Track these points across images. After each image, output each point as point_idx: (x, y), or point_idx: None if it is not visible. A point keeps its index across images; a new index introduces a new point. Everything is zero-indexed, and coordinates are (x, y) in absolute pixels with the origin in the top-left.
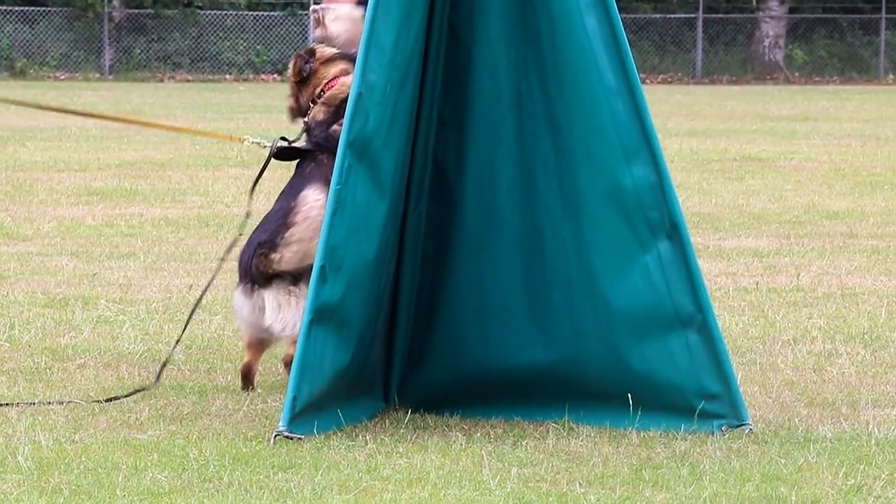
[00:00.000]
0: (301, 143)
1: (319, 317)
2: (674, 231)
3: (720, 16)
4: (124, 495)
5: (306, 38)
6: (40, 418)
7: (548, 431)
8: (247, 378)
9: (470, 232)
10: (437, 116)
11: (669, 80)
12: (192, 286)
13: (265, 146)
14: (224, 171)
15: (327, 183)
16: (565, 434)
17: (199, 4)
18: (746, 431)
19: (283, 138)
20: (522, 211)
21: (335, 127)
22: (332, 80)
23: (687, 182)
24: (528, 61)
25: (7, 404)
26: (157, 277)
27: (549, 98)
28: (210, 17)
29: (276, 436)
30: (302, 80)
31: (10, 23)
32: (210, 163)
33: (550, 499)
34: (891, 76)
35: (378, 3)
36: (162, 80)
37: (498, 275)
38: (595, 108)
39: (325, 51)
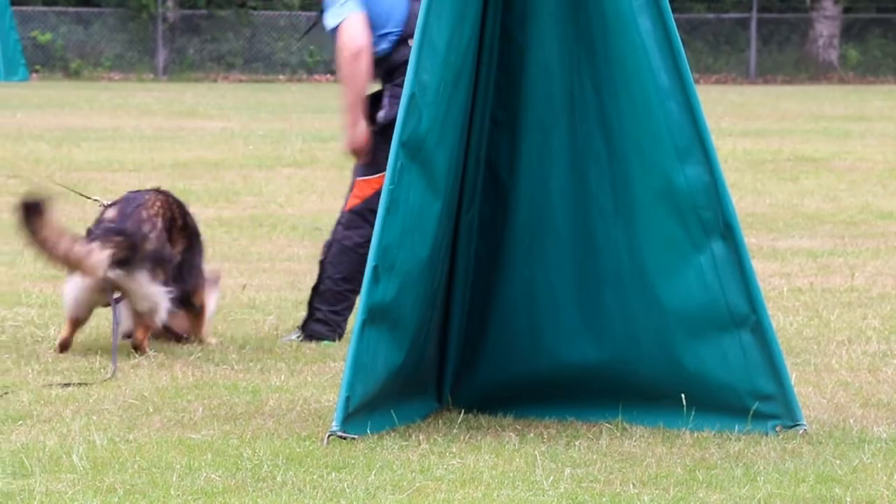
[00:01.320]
0: None
1: (372, 317)
2: (727, 231)
3: (774, 16)
4: (178, 495)
5: None
6: (95, 418)
7: (601, 432)
8: None
9: (522, 232)
10: (489, 117)
11: (723, 80)
12: (245, 286)
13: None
14: (277, 171)
15: None
16: (619, 434)
17: (253, 5)
18: (800, 432)
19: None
20: (574, 211)
21: None
22: None
23: (740, 182)
24: (580, 62)
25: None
26: None
27: (601, 98)
28: (263, 17)
29: (329, 436)
30: None
31: (65, 24)
32: (264, 163)
33: (604, 499)
34: None
35: (431, 3)
36: (215, 81)
37: (550, 275)
38: (648, 108)
39: None
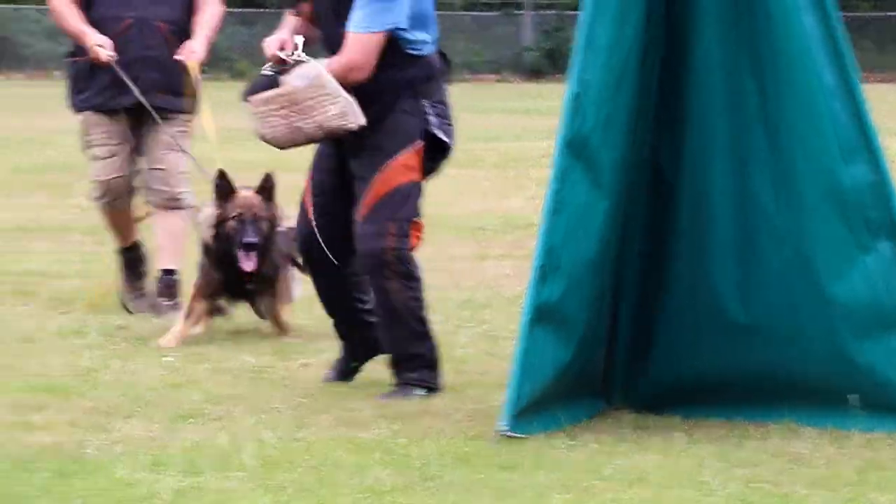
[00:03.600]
0: None
1: (540, 316)
2: (894, 231)
3: None
4: (347, 493)
5: (520, 38)
6: (264, 416)
7: (769, 432)
8: None
9: (685, 232)
10: (654, 116)
11: (890, 78)
12: None
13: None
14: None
15: None
16: (787, 435)
17: None
18: None
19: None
20: (736, 210)
21: None
22: None
23: None
24: (743, 60)
25: None
26: None
27: (765, 97)
28: None
29: (497, 435)
30: None
31: (230, 25)
32: None
33: (773, 500)
34: None
35: (595, 4)
36: None
37: (713, 274)
38: (812, 107)
39: None
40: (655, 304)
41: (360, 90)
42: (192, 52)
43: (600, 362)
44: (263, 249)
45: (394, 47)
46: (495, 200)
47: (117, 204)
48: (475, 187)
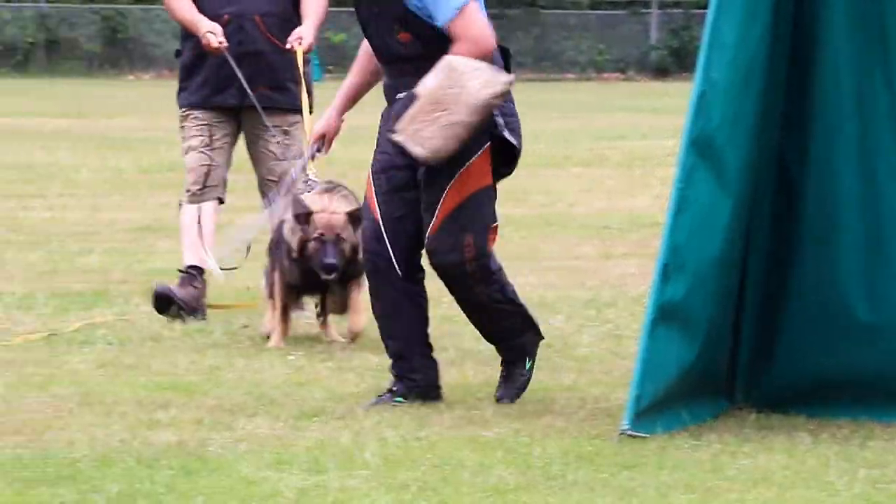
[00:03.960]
0: None
1: (663, 315)
2: None
3: None
4: (469, 492)
5: (648, 37)
6: (387, 415)
7: None
8: None
9: (812, 230)
10: (780, 114)
11: None
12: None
13: None
14: (566, 169)
15: None
16: None
17: (543, 4)
18: None
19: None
20: (863, 211)
21: None
22: None
23: None
24: (872, 58)
25: None
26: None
27: (894, 96)
28: (553, 16)
29: (619, 434)
30: None
31: (357, 24)
32: (552, 162)
33: None
34: None
35: (721, 2)
36: None
37: (839, 273)
38: None
39: None
40: (780, 303)
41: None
42: (300, 38)
43: (724, 361)
44: (346, 265)
45: None
46: (620, 199)
47: (205, 196)
48: (600, 186)
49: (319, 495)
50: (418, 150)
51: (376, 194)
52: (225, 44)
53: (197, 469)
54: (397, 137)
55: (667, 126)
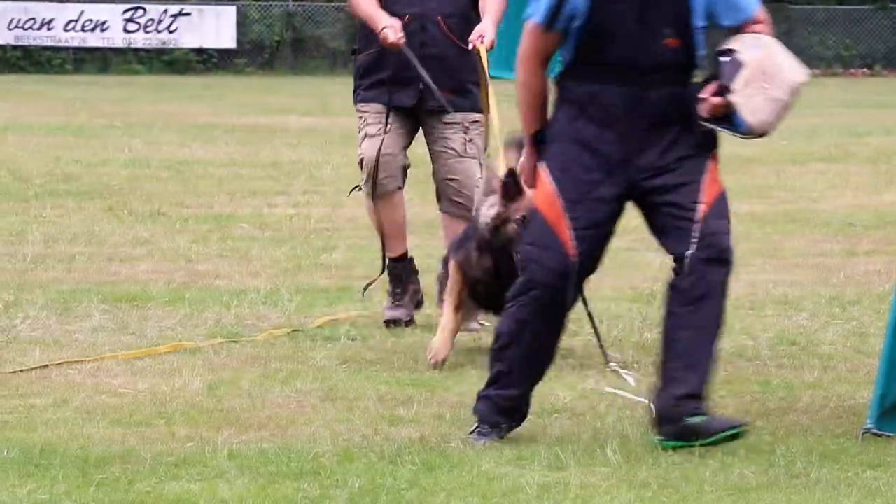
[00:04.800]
0: None
1: None
2: None
3: None
4: (711, 490)
5: (895, 33)
6: (628, 412)
7: None
8: None
9: None
10: None
11: None
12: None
13: None
14: (810, 166)
15: None
16: None
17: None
18: None
19: None
20: None
21: None
22: None
23: None
24: None
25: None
26: (745, 273)
27: None
28: (800, 11)
29: (863, 433)
30: None
31: None
32: (797, 158)
33: None
34: None
35: None
36: None
37: None
38: None
39: None
40: None
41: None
42: (482, 36)
43: None
44: None
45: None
46: (866, 196)
47: (386, 185)
48: (846, 182)
49: (560, 492)
50: (749, 117)
51: (574, 228)
52: (404, 39)
53: (438, 465)
54: (734, 98)
55: None
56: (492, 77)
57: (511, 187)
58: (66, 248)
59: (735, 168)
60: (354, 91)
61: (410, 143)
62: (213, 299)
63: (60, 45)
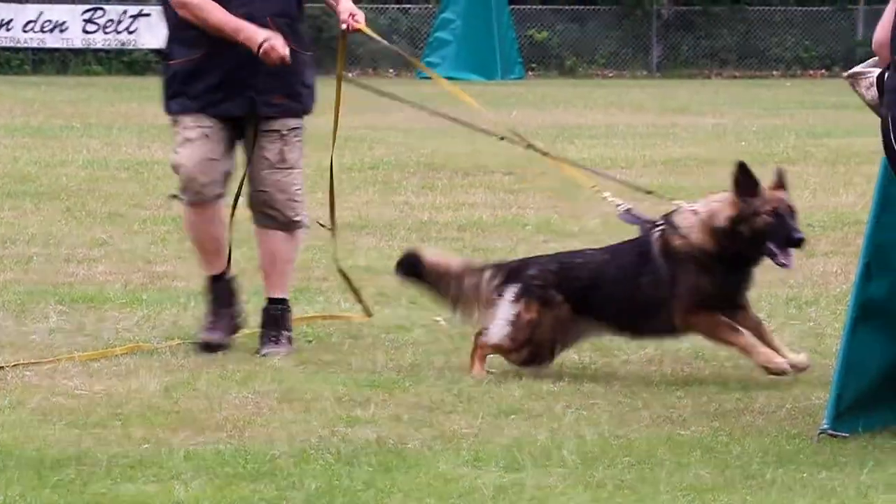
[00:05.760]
0: None
1: (865, 314)
2: None
3: None
4: (667, 490)
5: (854, 33)
6: (585, 413)
7: None
8: None
9: None
10: None
11: None
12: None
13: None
14: (769, 167)
15: None
16: None
17: (747, 1)
18: None
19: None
20: None
21: None
22: None
23: None
24: None
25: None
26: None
27: None
28: (758, 13)
29: (819, 434)
30: None
31: (561, 21)
32: (756, 159)
33: None
34: None
35: None
36: (708, 77)
37: None
38: None
39: None
40: None
41: None
42: (352, 14)
43: None
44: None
45: None
46: (824, 196)
47: (205, 193)
48: (804, 183)
49: (517, 493)
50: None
51: None
52: (287, 51)
53: (395, 466)
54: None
55: (872, 123)
56: (450, 78)
57: (749, 186)
58: (23, 249)
59: (692, 169)
60: (171, 98)
61: (234, 148)
62: (171, 301)
63: (19, 45)
